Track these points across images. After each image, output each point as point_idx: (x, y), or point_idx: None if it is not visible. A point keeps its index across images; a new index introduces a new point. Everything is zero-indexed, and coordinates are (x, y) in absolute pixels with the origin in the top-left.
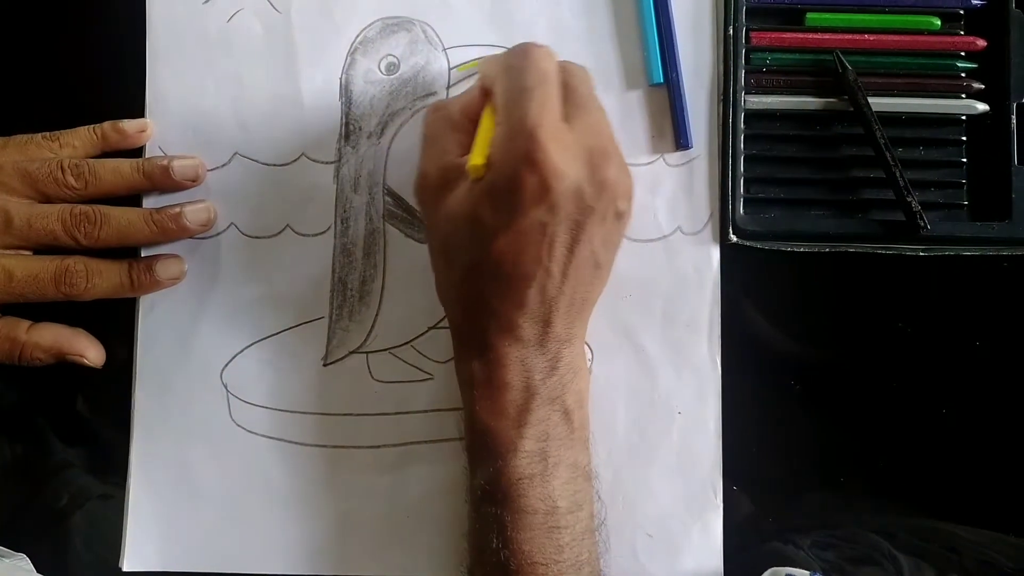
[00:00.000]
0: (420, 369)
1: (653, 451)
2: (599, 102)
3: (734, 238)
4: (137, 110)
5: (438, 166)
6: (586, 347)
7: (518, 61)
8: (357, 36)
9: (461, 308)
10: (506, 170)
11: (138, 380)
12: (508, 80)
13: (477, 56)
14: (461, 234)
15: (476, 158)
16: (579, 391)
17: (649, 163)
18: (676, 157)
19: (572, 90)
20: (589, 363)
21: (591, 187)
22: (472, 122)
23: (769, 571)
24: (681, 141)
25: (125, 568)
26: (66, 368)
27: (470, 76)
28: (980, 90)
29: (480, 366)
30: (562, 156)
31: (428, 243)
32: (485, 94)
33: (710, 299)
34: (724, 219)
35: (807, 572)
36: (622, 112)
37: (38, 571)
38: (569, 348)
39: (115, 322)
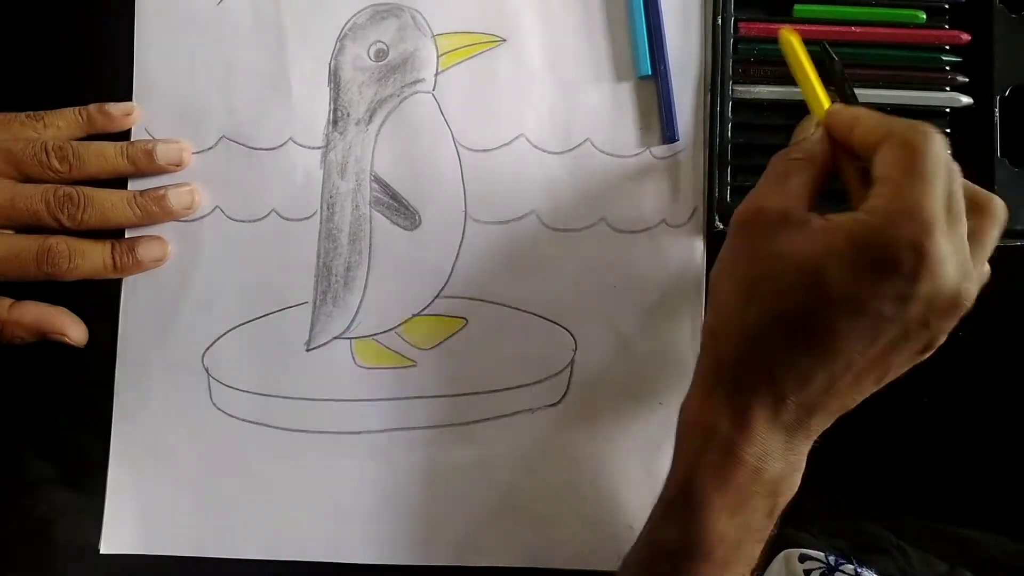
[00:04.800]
0: (404, 356)
1: (635, 442)
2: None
3: (720, 226)
4: (124, 93)
5: (783, 206)
6: (569, 337)
7: (918, 140)
8: (347, 22)
9: (737, 353)
10: (886, 238)
11: (119, 362)
12: (902, 154)
13: (467, 44)
14: (786, 278)
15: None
16: (792, 490)
17: (635, 155)
18: (662, 150)
19: (952, 197)
20: (572, 352)
21: (944, 303)
22: (820, 175)
23: (783, 553)
24: (668, 134)
25: (103, 550)
26: (46, 348)
27: (459, 64)
28: (964, 83)
29: (725, 427)
30: (946, 259)
31: (723, 271)
32: (834, 145)
33: (693, 291)
34: (711, 207)
35: (822, 554)
36: (611, 104)
37: (16, 552)
38: (806, 445)
39: (98, 303)
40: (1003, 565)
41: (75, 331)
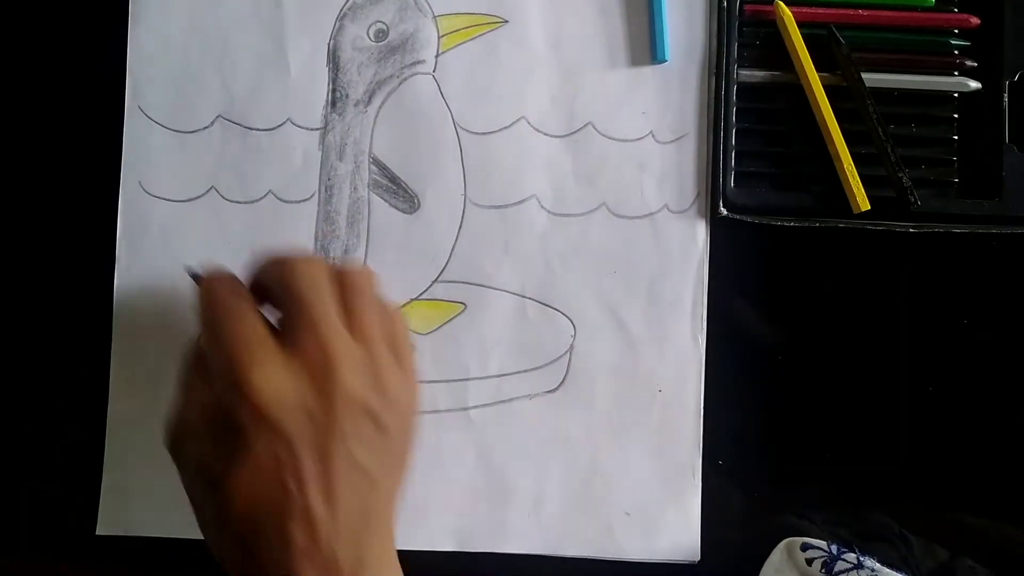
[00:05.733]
0: None
1: (632, 429)
2: (323, 303)
3: (724, 211)
4: (118, 70)
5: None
6: (568, 322)
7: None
8: (346, 1)
9: (230, 568)
10: (216, 398)
11: (115, 344)
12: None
13: (469, 26)
14: (195, 489)
15: None
16: None
17: (638, 139)
18: (666, 134)
19: (288, 294)
20: (571, 338)
21: (319, 405)
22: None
23: (785, 541)
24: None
25: (99, 532)
26: (41, 329)
27: (460, 45)
28: (973, 68)
29: None
30: (272, 378)
31: None
32: None
33: (695, 277)
34: (715, 192)
35: (824, 543)
36: (614, 87)
37: (11, 535)
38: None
39: (91, 284)
40: (1005, 552)
41: None
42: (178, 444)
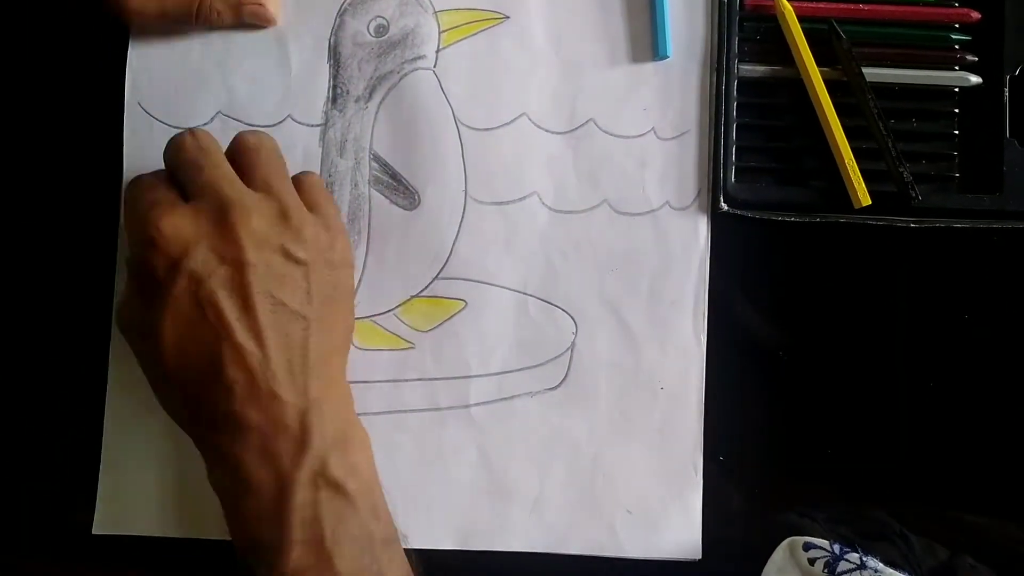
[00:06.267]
0: (402, 338)
1: (634, 427)
2: (212, 162)
3: (725, 207)
4: (118, 65)
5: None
6: (570, 320)
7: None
8: None
9: (180, 422)
10: (134, 261)
11: (113, 341)
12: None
13: (469, 21)
14: (138, 351)
15: None
16: (348, 461)
17: (639, 136)
18: (667, 131)
19: (182, 167)
20: (572, 336)
21: (223, 242)
22: None
23: (787, 540)
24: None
25: (95, 531)
26: (39, 328)
27: (461, 40)
28: (973, 62)
29: (221, 474)
30: (176, 223)
31: None
32: None
33: (696, 275)
34: (716, 188)
35: (826, 543)
36: (615, 84)
37: (7, 533)
38: (318, 414)
39: (91, 287)
40: (1006, 551)
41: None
42: (120, 320)
